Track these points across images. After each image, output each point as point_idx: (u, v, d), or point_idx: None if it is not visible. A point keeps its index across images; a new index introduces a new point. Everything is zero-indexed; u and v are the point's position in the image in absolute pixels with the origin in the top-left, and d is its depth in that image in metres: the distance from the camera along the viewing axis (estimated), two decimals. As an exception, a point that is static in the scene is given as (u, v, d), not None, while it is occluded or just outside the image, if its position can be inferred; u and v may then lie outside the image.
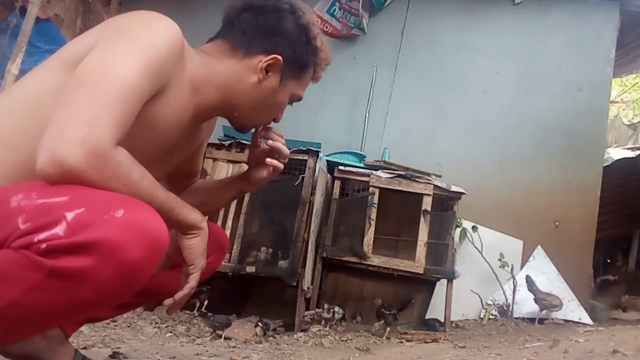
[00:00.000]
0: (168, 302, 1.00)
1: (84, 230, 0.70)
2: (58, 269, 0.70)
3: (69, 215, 0.71)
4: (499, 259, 3.59)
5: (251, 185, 1.26)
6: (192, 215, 0.97)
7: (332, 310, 2.81)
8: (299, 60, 1.10)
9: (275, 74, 1.08)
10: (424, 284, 3.22)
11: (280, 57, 1.05)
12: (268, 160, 1.16)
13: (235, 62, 1.05)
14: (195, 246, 0.98)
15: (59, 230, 0.70)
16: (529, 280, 3.42)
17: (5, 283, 0.70)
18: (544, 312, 3.38)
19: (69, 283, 0.71)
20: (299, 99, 1.17)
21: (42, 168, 0.76)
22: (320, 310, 2.85)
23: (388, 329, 2.76)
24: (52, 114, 0.80)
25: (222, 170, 2.99)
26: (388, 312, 2.78)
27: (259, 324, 2.47)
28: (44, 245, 0.70)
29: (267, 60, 1.05)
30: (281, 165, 1.19)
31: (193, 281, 0.99)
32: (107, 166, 0.78)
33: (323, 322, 2.81)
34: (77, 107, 0.79)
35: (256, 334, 2.44)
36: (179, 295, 0.99)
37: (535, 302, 3.38)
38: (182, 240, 0.97)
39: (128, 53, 0.85)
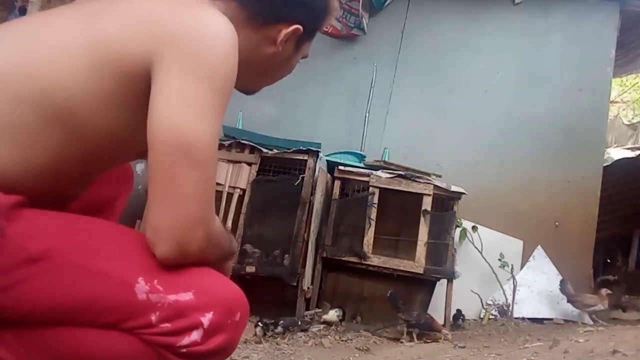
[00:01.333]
0: None
1: (216, 335, 0.77)
2: None
3: (205, 322, 0.76)
4: (499, 259, 3.59)
5: None
6: (234, 244, 0.99)
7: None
8: (317, 25, 1.01)
9: (292, 42, 0.98)
10: (424, 284, 3.21)
11: (301, 28, 0.95)
12: None
13: (251, 34, 0.93)
14: (229, 267, 1.02)
15: (197, 337, 0.75)
16: (562, 285, 3.48)
17: None
18: (580, 312, 3.46)
19: None
20: (306, 56, 1.07)
21: (167, 257, 0.75)
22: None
23: (411, 330, 2.72)
24: (144, 173, 0.80)
25: (222, 170, 2.98)
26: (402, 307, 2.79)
27: (259, 324, 2.47)
28: (184, 350, 0.75)
29: (289, 33, 0.94)
30: None
31: None
32: (213, 242, 0.81)
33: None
34: (188, 188, 0.76)
35: (256, 334, 2.44)
36: None
37: (569, 303, 3.44)
38: (221, 264, 0.97)
39: (211, 103, 0.78)
